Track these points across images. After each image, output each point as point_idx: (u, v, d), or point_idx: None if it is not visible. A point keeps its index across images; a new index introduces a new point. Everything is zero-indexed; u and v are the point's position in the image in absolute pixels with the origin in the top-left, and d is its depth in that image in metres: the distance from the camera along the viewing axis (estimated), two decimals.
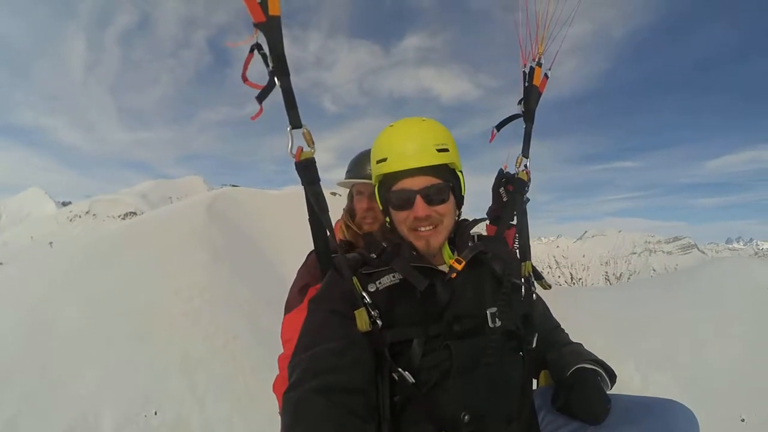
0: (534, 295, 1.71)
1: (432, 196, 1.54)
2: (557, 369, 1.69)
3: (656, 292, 16.02)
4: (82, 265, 13.94)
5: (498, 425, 1.42)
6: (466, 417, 1.36)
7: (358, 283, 1.45)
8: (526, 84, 2.03)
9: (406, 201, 1.56)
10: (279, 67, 1.56)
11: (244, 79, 1.63)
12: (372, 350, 1.38)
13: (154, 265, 13.17)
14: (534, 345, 1.61)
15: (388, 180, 1.60)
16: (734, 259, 16.77)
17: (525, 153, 2.06)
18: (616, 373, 1.63)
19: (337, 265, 1.55)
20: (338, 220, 2.48)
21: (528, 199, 2.20)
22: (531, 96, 2.01)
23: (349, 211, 2.46)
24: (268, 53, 1.57)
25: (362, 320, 1.34)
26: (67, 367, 9.57)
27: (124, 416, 8.19)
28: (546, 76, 2.04)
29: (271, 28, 1.52)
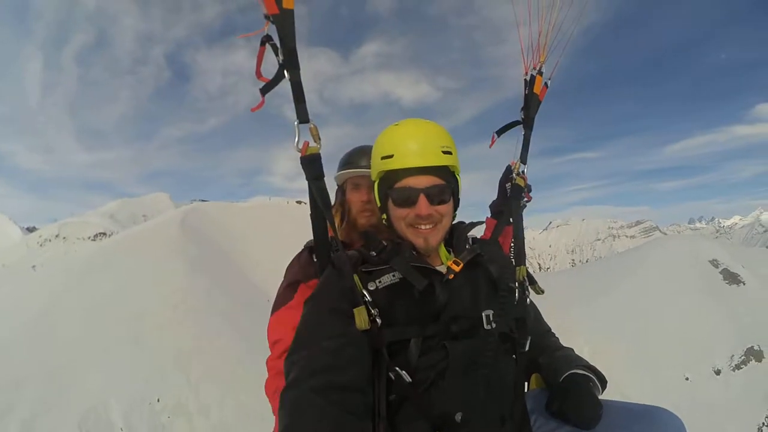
0: (528, 300, 1.73)
1: (434, 196, 1.56)
2: (550, 373, 1.70)
3: (606, 271, 17.82)
4: (72, 282, 15.24)
5: (492, 425, 1.45)
6: (460, 417, 1.39)
7: (359, 281, 1.44)
8: (527, 92, 2.02)
9: (409, 198, 1.55)
10: (290, 60, 1.56)
11: (258, 75, 1.64)
12: (370, 349, 1.37)
13: (138, 278, 14.46)
14: (527, 348, 1.62)
15: (391, 176, 1.58)
16: (680, 237, 18.83)
17: (523, 159, 2.04)
18: (606, 378, 1.66)
19: (337, 263, 1.52)
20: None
21: (525, 206, 2.24)
22: (531, 104, 2.02)
23: (342, 205, 2.31)
24: (278, 46, 1.56)
25: (361, 318, 1.34)
26: (72, 370, 10.95)
27: (130, 405, 9.65)
28: (546, 85, 2.04)
29: (284, 20, 1.53)
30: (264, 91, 1.63)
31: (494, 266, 1.63)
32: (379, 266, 1.54)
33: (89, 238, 77.17)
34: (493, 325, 1.49)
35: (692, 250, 16.51)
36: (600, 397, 1.59)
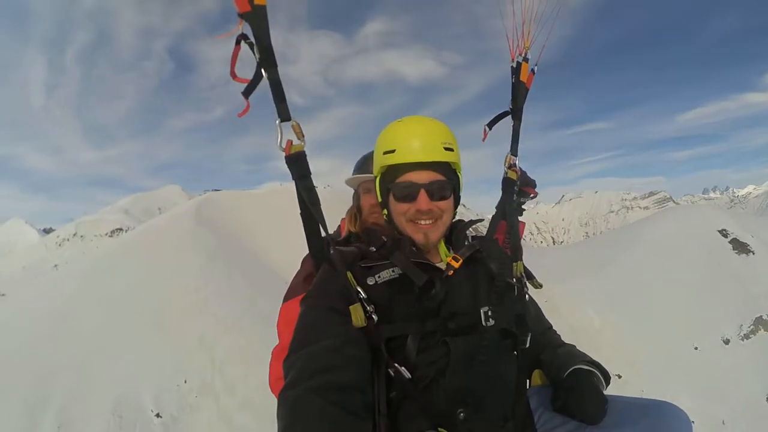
0: (527, 296, 1.72)
1: (435, 192, 1.56)
2: (553, 370, 1.69)
3: (614, 242, 17.76)
4: (94, 277, 15.80)
5: (494, 423, 1.44)
6: (462, 414, 1.37)
7: (353, 278, 1.44)
8: (513, 80, 1.96)
9: (409, 194, 1.56)
10: (266, 59, 1.52)
11: (233, 75, 1.59)
12: (368, 346, 1.37)
13: (158, 270, 14.94)
14: (528, 345, 1.61)
15: (393, 172, 1.59)
16: (689, 207, 18.77)
17: (513, 151, 1.99)
18: (610, 373, 1.65)
19: (331, 260, 1.51)
20: (343, 218, 2.41)
21: (524, 208, 2.20)
22: (519, 92, 1.96)
23: (358, 209, 2.38)
24: (254, 44, 1.52)
25: (357, 316, 1.34)
26: (101, 360, 11.42)
27: (160, 388, 10.14)
28: (533, 71, 1.97)
29: (257, 17, 1.48)
30: (246, 93, 1.60)
31: (494, 262, 1.65)
32: (379, 262, 1.55)
33: (106, 234, 78.83)
34: (492, 322, 1.50)
35: (701, 219, 16.37)
36: (606, 392, 1.60)
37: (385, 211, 1.68)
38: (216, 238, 18.63)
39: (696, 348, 12.30)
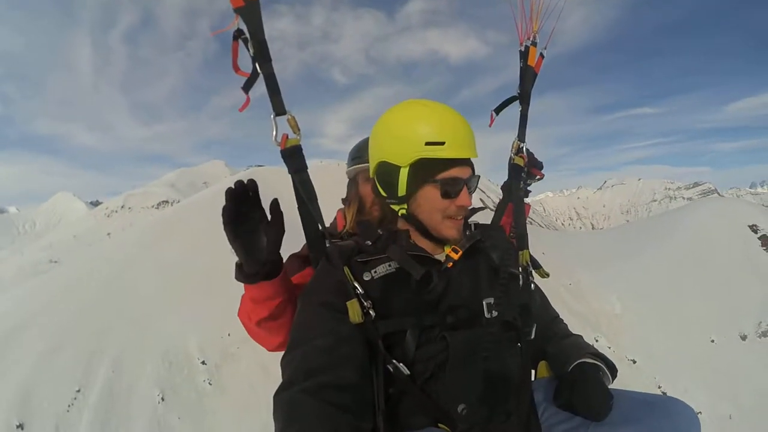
0: (532, 285, 1.66)
1: (471, 188, 1.52)
2: (557, 363, 1.63)
3: (643, 232, 18.08)
4: (147, 244, 17.52)
5: (496, 419, 1.39)
6: (463, 410, 1.34)
7: (350, 273, 1.36)
8: (522, 64, 1.92)
9: (455, 190, 1.46)
10: (260, 53, 1.51)
11: (236, 69, 1.59)
12: (365, 343, 1.31)
13: (206, 238, 16.38)
14: (533, 336, 1.54)
15: (434, 165, 1.45)
16: (721, 200, 18.48)
17: (521, 137, 1.92)
18: (615, 366, 1.59)
19: (328, 254, 1.45)
20: (339, 210, 2.29)
21: (529, 190, 2.19)
22: (526, 77, 1.90)
23: (356, 198, 2.24)
24: (248, 39, 1.51)
25: (354, 312, 1.28)
26: (151, 318, 12.98)
27: (205, 339, 11.60)
28: (542, 55, 1.93)
29: (250, 12, 1.48)
30: (246, 88, 1.57)
31: (496, 252, 1.58)
32: (375, 256, 1.47)
33: (153, 206, 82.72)
34: (495, 314, 1.44)
35: (732, 214, 16.23)
36: (611, 386, 1.54)
37: (404, 206, 1.51)
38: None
39: (713, 341, 12.49)
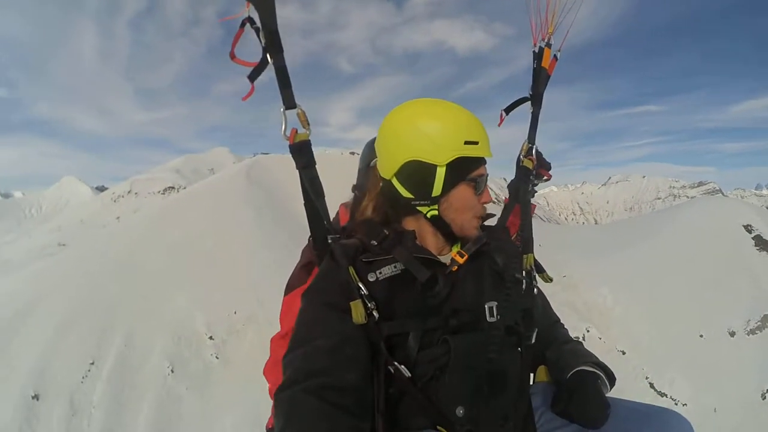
0: (535, 289, 1.64)
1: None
2: (556, 369, 1.63)
3: (638, 227, 18.44)
4: (156, 227, 18.11)
5: (494, 422, 1.40)
6: (462, 413, 1.34)
7: (355, 274, 1.36)
8: (535, 65, 1.87)
9: (485, 188, 1.52)
10: (272, 44, 1.45)
11: (233, 56, 1.53)
12: (367, 344, 1.31)
13: (214, 221, 17.10)
14: (533, 341, 1.54)
15: (469, 164, 1.46)
16: (717, 199, 18.56)
17: (531, 139, 1.88)
18: (612, 371, 1.59)
19: (334, 253, 1.43)
20: (342, 204, 2.20)
21: (536, 190, 2.15)
22: (539, 79, 1.85)
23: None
24: (260, 28, 1.45)
25: (358, 313, 1.28)
26: (161, 295, 13.57)
27: (212, 317, 12.25)
28: (555, 57, 1.88)
29: (265, 0, 1.41)
30: (252, 77, 1.53)
31: (500, 256, 1.56)
32: (380, 256, 1.46)
33: (159, 192, 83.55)
34: (497, 317, 1.43)
35: (728, 213, 16.29)
36: (609, 394, 1.54)
37: (435, 207, 1.49)
38: (265, 196, 20.73)
39: (701, 336, 12.61)
